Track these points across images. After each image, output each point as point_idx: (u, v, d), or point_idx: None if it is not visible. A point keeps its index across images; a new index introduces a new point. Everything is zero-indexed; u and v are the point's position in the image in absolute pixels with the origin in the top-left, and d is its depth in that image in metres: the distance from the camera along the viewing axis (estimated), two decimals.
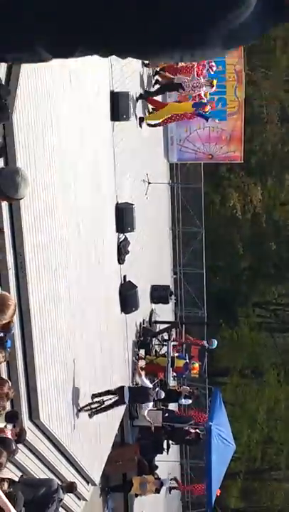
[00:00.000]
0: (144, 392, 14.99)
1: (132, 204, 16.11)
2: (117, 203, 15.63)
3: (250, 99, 31.50)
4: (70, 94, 11.52)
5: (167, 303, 22.46)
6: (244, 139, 24.77)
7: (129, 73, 16.97)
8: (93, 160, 13.33)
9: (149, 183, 19.62)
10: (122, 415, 16.35)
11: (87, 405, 12.81)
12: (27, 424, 9.95)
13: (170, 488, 22.20)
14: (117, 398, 13.94)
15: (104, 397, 13.62)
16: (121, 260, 15.91)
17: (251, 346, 36.54)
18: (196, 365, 21.12)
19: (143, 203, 19.00)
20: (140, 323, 19.11)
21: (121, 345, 16.31)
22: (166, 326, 21.34)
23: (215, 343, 21.45)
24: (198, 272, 27.09)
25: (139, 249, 18.49)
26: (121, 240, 15.88)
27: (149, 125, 18.82)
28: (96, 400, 13.24)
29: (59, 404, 11.02)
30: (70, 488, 10.41)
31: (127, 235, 16.05)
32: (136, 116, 17.81)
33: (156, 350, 20.46)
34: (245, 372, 36.03)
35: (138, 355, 18.77)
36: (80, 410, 12.36)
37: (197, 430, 19.33)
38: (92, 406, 13.08)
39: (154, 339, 20.07)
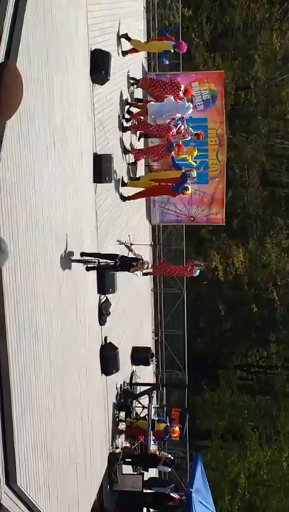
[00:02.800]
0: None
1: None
2: None
3: (231, 163, 31.97)
4: (53, 156, 11.63)
5: (148, 365, 22.33)
6: (226, 202, 25.02)
7: (112, 136, 17.20)
8: (76, 221, 13.38)
9: (131, 244, 19.66)
10: (100, 480, 16.08)
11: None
12: (4, 489, 9.75)
13: None
14: None
15: None
16: (102, 321, 15.85)
17: (232, 409, 36.30)
18: (177, 428, 20.89)
19: None
20: (121, 385, 18.95)
21: (101, 408, 16.14)
22: (147, 388, 21.16)
23: (197, 272, 21.01)
24: (179, 334, 27.03)
25: (121, 310, 18.46)
26: (102, 301, 15.85)
27: (124, 198, 18.62)
28: None
29: (37, 468, 10.82)
30: None
31: (109, 296, 16.03)
32: (120, 178, 17.97)
33: (136, 413, 20.24)
34: (226, 436, 35.69)
35: (118, 417, 18.57)
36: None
37: (180, 496, 19.04)
38: None
39: (134, 401, 19.88)
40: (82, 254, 13.52)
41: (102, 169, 15.26)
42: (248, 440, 35.55)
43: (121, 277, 16.88)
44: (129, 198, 18.75)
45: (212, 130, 23.65)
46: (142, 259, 14.35)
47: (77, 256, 13.27)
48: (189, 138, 19.48)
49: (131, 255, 14.82)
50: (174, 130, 18.46)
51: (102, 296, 15.83)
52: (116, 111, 17.69)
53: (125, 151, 18.68)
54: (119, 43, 17.99)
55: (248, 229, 35.88)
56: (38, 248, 10.83)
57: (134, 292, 21.26)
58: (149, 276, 24.84)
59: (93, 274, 15.15)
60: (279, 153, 36.69)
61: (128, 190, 18.65)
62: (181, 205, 24.08)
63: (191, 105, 19.14)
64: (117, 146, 17.81)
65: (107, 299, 16.01)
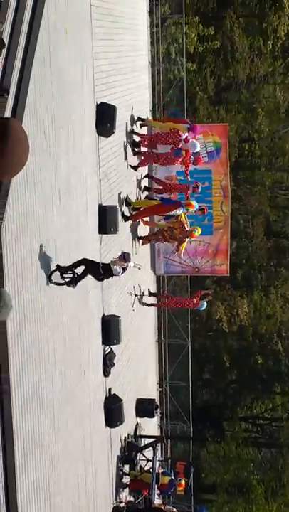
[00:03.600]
0: None
1: (119, 316, 16.13)
2: (104, 315, 15.64)
3: (236, 214, 32.14)
4: (59, 208, 11.72)
5: (153, 417, 22.13)
6: (230, 253, 25.07)
7: (117, 187, 17.34)
8: None
9: (136, 295, 19.71)
10: None
11: None
12: None
13: None
14: None
15: None
16: (106, 372, 15.78)
17: (238, 462, 35.84)
18: (182, 481, 20.62)
19: (129, 315, 19.02)
20: (125, 438, 18.76)
21: (105, 460, 15.96)
22: (151, 440, 20.94)
23: (204, 305, 20.94)
24: (184, 385, 26.84)
25: (125, 361, 18.37)
26: (107, 352, 15.80)
27: (126, 218, 18.73)
28: None
29: None
30: None
31: (113, 347, 15.98)
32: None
33: (140, 466, 19.99)
34: (231, 490, 35.17)
35: (122, 470, 18.34)
36: None
37: None
38: None
39: (139, 454, 19.65)
40: (58, 267, 11.89)
41: (107, 220, 15.36)
42: (254, 494, 34.99)
43: (126, 328, 16.85)
44: (132, 217, 18.94)
45: (216, 182, 23.82)
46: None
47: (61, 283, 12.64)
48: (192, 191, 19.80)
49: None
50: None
51: (107, 347, 15.78)
52: (121, 162, 17.87)
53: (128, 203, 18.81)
54: (133, 123, 18.63)
55: (253, 280, 35.87)
56: (43, 299, 10.84)
57: (139, 343, 21.19)
58: (154, 321, 24.83)
59: (98, 325, 15.13)
60: (283, 204, 36.89)
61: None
62: (186, 255, 24.12)
63: (198, 144, 19.55)
64: (122, 198, 17.94)
65: (111, 350, 15.96)
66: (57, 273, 11.63)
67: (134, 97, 19.62)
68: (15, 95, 10.07)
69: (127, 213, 18.32)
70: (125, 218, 18.35)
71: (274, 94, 34.56)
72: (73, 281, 12.15)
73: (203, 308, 20.40)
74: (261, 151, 35.28)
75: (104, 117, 15.26)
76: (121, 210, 17.45)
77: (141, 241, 20.01)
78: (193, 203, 19.06)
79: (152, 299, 22.61)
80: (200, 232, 19.84)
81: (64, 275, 11.95)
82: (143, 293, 20.71)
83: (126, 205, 18.35)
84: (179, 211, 18.74)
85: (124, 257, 13.70)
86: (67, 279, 12.07)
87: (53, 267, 11.35)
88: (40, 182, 10.64)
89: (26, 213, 10.02)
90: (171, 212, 18.84)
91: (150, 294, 21.57)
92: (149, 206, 19.34)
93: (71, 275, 12.16)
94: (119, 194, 17.55)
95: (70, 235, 12.62)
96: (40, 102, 10.77)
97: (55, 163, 11.59)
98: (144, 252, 21.08)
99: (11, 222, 9.44)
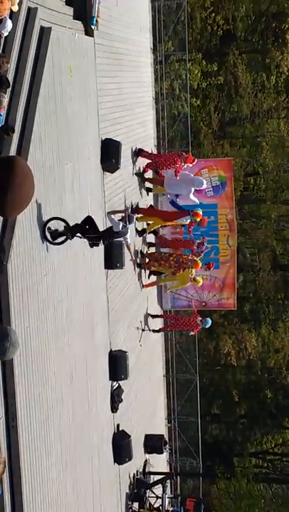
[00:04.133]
0: None
1: (126, 351, 16.08)
2: (111, 350, 15.60)
3: (242, 248, 32.18)
4: (64, 245, 11.74)
5: (161, 453, 21.91)
6: (237, 286, 25.03)
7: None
8: (87, 307, 13.41)
9: (143, 330, 19.66)
10: None
11: None
12: None
13: None
14: None
15: None
16: (114, 408, 15.68)
17: (249, 498, 35.42)
18: None
19: (137, 350, 18.95)
20: (134, 474, 18.58)
21: (114, 497, 15.79)
22: (160, 477, 20.73)
23: (209, 322, 20.73)
24: (193, 420, 26.63)
25: (133, 397, 18.27)
26: (114, 388, 15.72)
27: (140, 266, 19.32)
28: None
29: None
30: None
31: (121, 382, 15.91)
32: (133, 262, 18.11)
33: (150, 503, 19.77)
34: None
35: (131, 508, 18.14)
36: None
37: None
38: None
39: (148, 491, 19.44)
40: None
41: (112, 256, 15.38)
42: None
43: (133, 363, 16.79)
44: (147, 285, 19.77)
45: (222, 215, 23.87)
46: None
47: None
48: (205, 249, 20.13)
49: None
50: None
51: (114, 382, 15.71)
52: (126, 197, 17.95)
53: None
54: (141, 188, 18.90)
55: (260, 313, 35.78)
56: (49, 334, 10.82)
57: (147, 378, 21.08)
58: (162, 355, 24.74)
59: (105, 360, 15.08)
60: None
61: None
62: (192, 290, 24.08)
63: (205, 181, 19.75)
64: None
65: (119, 386, 15.88)
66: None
67: (139, 133, 19.77)
68: (20, 132, 10.16)
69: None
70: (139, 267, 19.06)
71: (278, 128, 34.80)
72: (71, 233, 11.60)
73: (208, 325, 20.32)
74: (266, 184, 35.43)
75: (110, 153, 15.37)
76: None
77: (147, 280, 20.15)
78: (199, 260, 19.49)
79: (158, 323, 22.51)
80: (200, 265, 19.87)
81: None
82: (148, 323, 20.66)
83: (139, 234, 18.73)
84: (186, 220, 19.03)
85: (129, 219, 13.84)
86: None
87: (58, 301, 11.35)
88: (46, 218, 10.68)
89: (32, 248, 10.05)
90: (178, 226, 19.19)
91: (153, 316, 21.34)
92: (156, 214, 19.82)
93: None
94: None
95: (76, 269, 12.64)
96: (45, 138, 10.87)
97: (61, 198, 11.65)
98: (150, 289, 21.06)
99: (17, 258, 9.46)
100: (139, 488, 18.48)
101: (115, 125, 16.58)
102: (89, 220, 12.08)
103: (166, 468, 24.79)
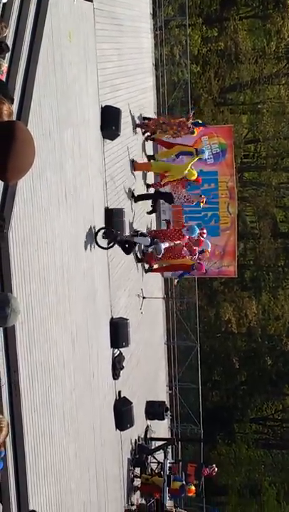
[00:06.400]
0: None
1: (127, 319, 16.12)
2: (112, 318, 15.64)
3: (242, 215, 32.12)
4: (65, 210, 11.73)
5: (163, 419, 22.09)
6: (237, 254, 25.02)
7: (123, 191, 17.35)
8: (88, 275, 13.43)
9: (144, 297, 19.69)
10: None
11: None
12: None
13: None
14: None
15: None
16: (116, 375, 15.76)
17: (249, 464, 35.77)
18: (193, 487, 20.55)
19: (138, 317, 19.01)
20: (135, 440, 18.74)
21: (116, 463, 15.94)
22: (161, 443, 20.91)
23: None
24: (193, 387, 26.78)
25: (134, 364, 18.36)
26: (115, 355, 15.79)
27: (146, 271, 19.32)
28: None
29: None
30: None
31: (122, 349, 15.97)
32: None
33: (151, 469, 19.96)
34: (243, 492, 35.09)
35: (133, 473, 18.32)
36: None
37: None
38: None
39: (149, 457, 19.62)
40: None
41: (113, 223, 15.35)
42: (266, 496, 34.90)
43: (134, 331, 16.84)
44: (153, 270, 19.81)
45: (222, 183, 23.78)
46: None
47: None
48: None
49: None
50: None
51: (116, 349, 15.77)
52: (126, 165, 17.87)
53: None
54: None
55: (261, 281, 35.82)
56: (51, 302, 10.84)
57: (148, 346, 21.17)
58: (163, 323, 24.75)
59: (106, 327, 15.14)
60: None
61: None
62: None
63: (206, 152, 19.61)
64: (128, 201, 17.94)
65: (120, 353, 15.94)
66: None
67: (139, 100, 19.64)
68: (20, 99, 10.08)
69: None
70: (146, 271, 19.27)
71: (278, 94, 34.54)
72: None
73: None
74: (267, 151, 35.27)
75: (109, 120, 15.27)
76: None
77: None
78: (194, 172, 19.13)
79: (157, 289, 22.30)
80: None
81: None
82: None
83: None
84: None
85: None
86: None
87: (59, 268, 11.36)
88: (46, 184, 10.65)
89: (33, 215, 10.02)
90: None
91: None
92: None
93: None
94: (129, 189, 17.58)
95: (77, 236, 12.63)
96: (44, 105, 10.79)
97: (61, 165, 11.60)
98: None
99: (18, 225, 9.44)
100: (140, 453, 18.64)
101: (115, 92, 16.46)
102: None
103: (167, 435, 25.00)
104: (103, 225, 14.40)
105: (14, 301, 5.81)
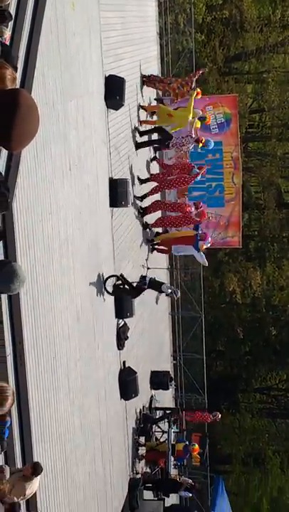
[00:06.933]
0: None
1: None
2: None
3: (247, 186, 32.00)
4: (69, 181, 11.70)
5: (167, 389, 22.22)
6: (242, 225, 24.99)
7: (127, 161, 17.28)
8: (93, 246, 13.43)
9: (148, 268, 19.69)
10: (122, 505, 15.97)
11: None
12: None
13: None
14: None
15: None
16: (120, 346, 15.83)
17: (253, 433, 36.00)
18: (196, 446, 20.72)
19: None
20: (140, 410, 18.87)
21: (121, 432, 16.07)
22: (166, 412, 21.06)
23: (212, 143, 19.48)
24: (198, 357, 26.92)
25: (139, 334, 18.42)
26: (120, 326, 15.85)
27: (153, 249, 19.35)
28: None
29: (57, 493, 10.78)
30: None
31: (127, 320, 16.02)
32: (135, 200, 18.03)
33: (156, 438, 20.13)
34: (247, 460, 35.37)
35: (138, 442, 18.47)
36: None
37: None
38: None
39: (154, 426, 19.77)
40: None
41: (117, 194, 15.33)
42: (270, 464, 35.20)
43: (139, 301, 16.88)
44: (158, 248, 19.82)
45: (227, 153, 23.67)
46: None
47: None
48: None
49: None
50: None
51: (120, 320, 15.82)
52: (131, 136, 17.79)
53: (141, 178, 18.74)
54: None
55: (265, 251, 35.78)
56: (56, 272, 10.86)
57: (152, 316, 21.23)
58: (167, 296, 24.75)
59: (111, 298, 15.17)
60: None
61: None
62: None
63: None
64: (133, 171, 17.89)
65: (125, 323, 16.00)
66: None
67: (143, 69, 19.49)
68: (23, 68, 10.01)
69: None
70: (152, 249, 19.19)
71: (284, 63, 34.23)
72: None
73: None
74: (272, 121, 35.04)
75: (113, 90, 15.17)
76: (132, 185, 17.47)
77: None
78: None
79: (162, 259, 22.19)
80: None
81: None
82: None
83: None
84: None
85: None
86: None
87: (64, 239, 11.36)
88: (50, 154, 10.61)
89: (37, 185, 10.00)
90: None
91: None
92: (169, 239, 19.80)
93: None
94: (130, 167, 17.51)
95: (81, 207, 12.61)
96: (48, 74, 10.72)
97: (65, 135, 11.55)
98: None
99: (23, 195, 9.43)
100: (145, 423, 18.78)
101: (119, 61, 16.34)
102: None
103: (172, 404, 25.16)
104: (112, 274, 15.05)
105: (19, 268, 5.84)
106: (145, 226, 18.99)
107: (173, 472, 19.94)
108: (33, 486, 8.67)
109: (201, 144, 18.90)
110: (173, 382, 23.10)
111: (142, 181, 18.47)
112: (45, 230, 10.34)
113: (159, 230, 20.37)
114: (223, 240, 24.66)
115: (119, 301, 15.57)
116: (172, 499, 21.07)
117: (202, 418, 22.01)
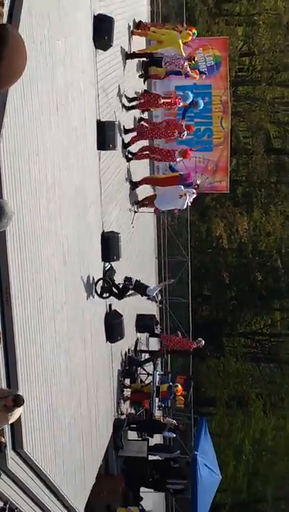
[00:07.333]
0: None
1: (118, 233, 16.12)
2: (103, 232, 15.64)
3: (235, 130, 31.79)
4: (56, 121, 11.56)
5: (153, 332, 22.38)
6: (230, 170, 24.90)
7: (116, 103, 17.09)
8: (80, 188, 13.35)
9: (136, 212, 19.66)
10: (106, 445, 16.22)
11: None
12: (10, 454, 9.83)
13: None
14: None
15: None
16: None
17: (237, 376, 36.49)
18: (180, 387, 20.99)
19: (129, 231, 19.02)
20: (126, 352, 19.03)
21: (106, 374, 16.23)
22: (151, 355, 21.25)
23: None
24: (184, 302, 27.08)
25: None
26: (107, 269, 15.86)
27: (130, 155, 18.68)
28: None
29: (43, 434, 10.92)
30: None
31: (113, 263, 16.04)
32: (123, 143, 17.89)
33: (141, 380, 20.35)
34: (231, 403, 35.92)
35: (123, 384, 18.68)
36: None
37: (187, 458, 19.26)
38: None
39: (139, 368, 19.98)
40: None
41: (105, 136, 15.18)
42: (253, 407, 35.78)
43: (125, 245, 16.88)
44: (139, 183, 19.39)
45: (216, 97, 23.46)
46: None
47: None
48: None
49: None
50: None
51: (107, 263, 15.83)
52: (119, 77, 17.55)
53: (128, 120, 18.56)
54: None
55: (253, 197, 35.79)
56: (42, 214, 10.80)
57: (139, 260, 21.27)
58: (154, 237, 24.79)
59: (98, 241, 15.17)
60: (283, 120, 36.45)
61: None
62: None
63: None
64: (121, 114, 17.70)
65: (111, 267, 16.01)
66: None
67: (132, 8, 19.15)
68: (10, 6, 9.79)
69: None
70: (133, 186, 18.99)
71: (275, 6, 33.70)
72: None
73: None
74: (262, 65, 34.68)
75: (102, 30, 14.89)
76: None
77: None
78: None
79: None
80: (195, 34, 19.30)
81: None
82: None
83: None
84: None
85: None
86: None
87: (50, 181, 11.27)
88: (37, 93, 10.44)
89: (24, 125, 9.87)
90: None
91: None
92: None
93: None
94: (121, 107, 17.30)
95: (69, 149, 12.50)
96: (35, 13, 10.49)
97: (52, 75, 11.37)
98: (143, 168, 20.90)
99: (9, 135, 9.31)
100: (130, 365, 18.97)
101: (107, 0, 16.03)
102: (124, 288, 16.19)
103: (157, 347, 25.38)
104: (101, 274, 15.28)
105: (6, 205, 5.78)
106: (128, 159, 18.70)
107: (157, 413, 20.22)
108: (15, 415, 8.76)
109: (194, 62, 18.85)
110: (158, 325, 23.28)
111: (126, 131, 18.26)
112: (32, 171, 10.24)
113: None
114: (210, 185, 24.62)
115: (105, 244, 15.55)
116: (156, 439, 21.43)
117: (186, 344, 22.12)
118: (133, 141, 18.47)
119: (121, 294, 16.19)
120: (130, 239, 19.13)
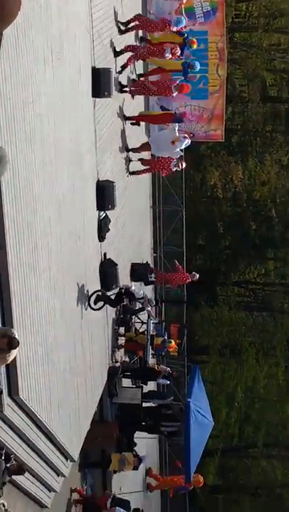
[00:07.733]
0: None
1: (113, 182, 16.07)
2: (98, 180, 15.58)
3: (231, 78, 31.47)
4: (51, 68, 11.42)
5: (147, 280, 22.45)
6: (225, 118, 24.73)
7: (111, 50, 16.86)
8: (75, 137, 13.25)
9: (131, 160, 19.56)
10: (101, 392, 16.40)
11: None
12: (6, 400, 9.94)
13: (148, 488, 22.88)
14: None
15: None
16: (101, 238, 15.88)
17: (230, 325, 36.74)
18: (173, 343, 21.23)
19: (124, 180, 18.95)
20: None
21: (100, 322, 16.33)
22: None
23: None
24: (178, 251, 27.13)
25: (120, 227, 18.47)
26: (101, 218, 15.84)
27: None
28: None
29: (38, 380, 11.02)
30: (19, 470, 10.58)
31: (108, 212, 16.01)
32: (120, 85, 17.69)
33: (135, 328, 20.50)
34: (224, 351, 36.24)
35: (118, 332, 18.82)
36: None
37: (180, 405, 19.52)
38: None
39: (133, 317, 20.11)
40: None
41: (101, 83, 15.01)
42: (245, 355, 36.10)
43: (120, 194, 16.84)
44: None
45: (212, 43, 23.19)
46: None
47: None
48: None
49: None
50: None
51: (102, 212, 15.81)
52: (115, 23, 17.30)
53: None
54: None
55: (248, 146, 35.57)
56: (37, 163, 10.74)
57: (134, 209, 21.23)
58: (149, 187, 24.66)
59: (93, 189, 15.12)
60: (280, 67, 36.02)
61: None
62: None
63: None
64: (117, 60, 17.48)
65: (106, 215, 15.99)
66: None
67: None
68: None
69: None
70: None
71: None
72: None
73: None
74: (259, 11, 34.15)
75: None
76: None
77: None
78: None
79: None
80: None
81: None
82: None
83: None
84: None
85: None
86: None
87: (44, 128, 11.18)
88: (31, 40, 10.30)
89: (18, 73, 9.74)
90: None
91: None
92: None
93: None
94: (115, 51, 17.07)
95: (64, 96, 12.37)
96: None
97: (46, 20, 11.19)
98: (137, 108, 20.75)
99: (3, 81, 9.19)
100: (125, 314, 19.08)
101: None
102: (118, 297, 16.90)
103: (152, 296, 25.52)
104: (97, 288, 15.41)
105: (1, 150, 5.74)
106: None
107: (151, 361, 20.42)
108: (10, 357, 8.80)
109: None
110: (153, 274, 23.36)
111: (117, 53, 17.80)
112: (26, 120, 10.15)
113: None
114: (205, 134, 24.49)
115: (100, 192, 15.50)
116: (150, 386, 21.67)
117: (180, 278, 22.25)
118: (129, 61, 18.18)
119: (116, 302, 17.02)
120: (125, 188, 19.07)
